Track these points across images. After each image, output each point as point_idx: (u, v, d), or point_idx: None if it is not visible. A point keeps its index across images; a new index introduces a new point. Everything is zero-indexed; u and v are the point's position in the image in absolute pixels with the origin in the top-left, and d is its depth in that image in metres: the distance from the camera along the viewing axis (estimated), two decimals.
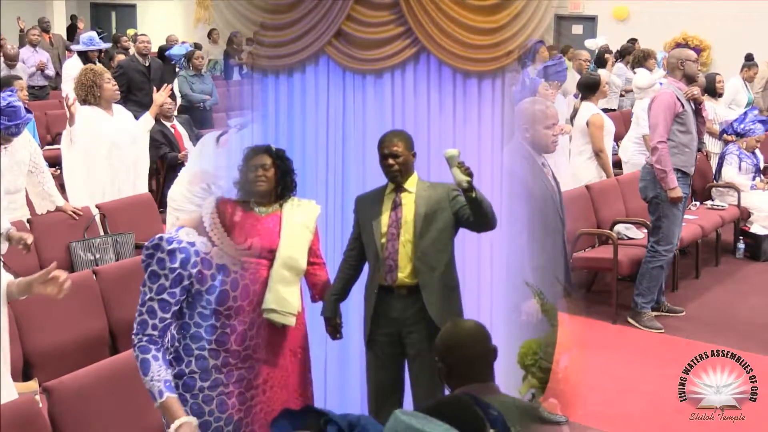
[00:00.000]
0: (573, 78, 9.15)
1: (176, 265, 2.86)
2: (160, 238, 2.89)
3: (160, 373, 2.84)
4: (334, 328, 3.60)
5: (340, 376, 4.03)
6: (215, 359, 2.99)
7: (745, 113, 8.38)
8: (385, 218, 3.54)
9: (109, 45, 10.61)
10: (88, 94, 6.26)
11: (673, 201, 5.83)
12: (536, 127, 4.15)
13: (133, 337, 2.90)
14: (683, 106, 5.83)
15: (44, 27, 13.65)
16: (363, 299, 3.67)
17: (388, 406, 3.45)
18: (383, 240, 3.52)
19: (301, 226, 3.48)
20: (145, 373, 2.85)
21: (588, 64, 10.03)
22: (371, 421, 2.44)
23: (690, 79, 6.01)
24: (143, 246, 6.32)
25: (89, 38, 9.41)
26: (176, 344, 3.01)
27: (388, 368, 3.60)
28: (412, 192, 3.57)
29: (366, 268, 3.68)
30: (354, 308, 3.80)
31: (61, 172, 6.74)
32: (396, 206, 3.55)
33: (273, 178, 3.48)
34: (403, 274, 3.51)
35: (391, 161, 3.52)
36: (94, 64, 9.32)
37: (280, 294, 3.31)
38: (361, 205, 3.64)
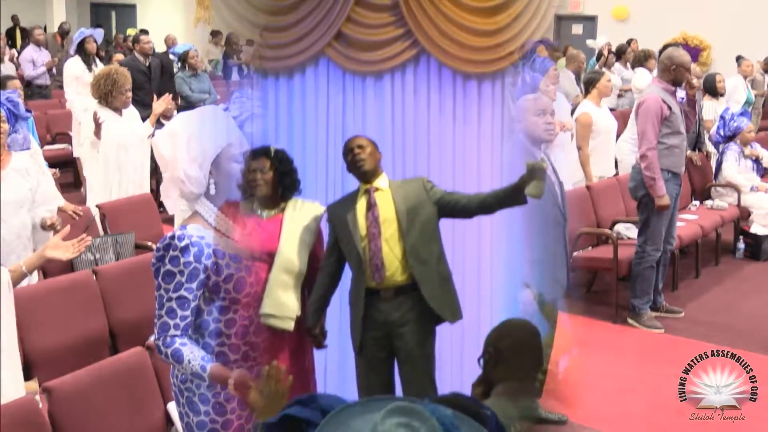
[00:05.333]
0: (568, 78, 9.14)
1: (190, 259, 2.84)
2: (172, 237, 2.87)
3: (193, 352, 2.82)
4: (316, 339, 3.48)
5: (339, 379, 4.03)
6: (236, 353, 2.99)
7: (722, 118, 8.35)
8: (361, 219, 3.50)
9: (99, 30, 10.59)
10: (109, 94, 6.40)
11: (660, 209, 5.83)
12: (526, 116, 4.14)
13: (155, 342, 2.88)
14: (670, 109, 5.77)
15: (63, 31, 13.61)
16: (348, 306, 3.62)
17: None
18: (364, 242, 3.48)
19: (302, 228, 3.43)
20: (180, 361, 2.83)
21: (583, 66, 10.03)
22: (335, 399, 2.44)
23: (676, 83, 5.98)
24: (144, 246, 6.30)
25: (80, 32, 9.50)
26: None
27: (379, 372, 3.58)
28: (385, 189, 3.54)
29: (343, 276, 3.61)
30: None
31: (61, 174, 6.76)
32: (371, 206, 3.51)
33: (271, 180, 3.42)
34: (390, 272, 3.48)
35: (357, 150, 3.49)
36: (95, 61, 9.38)
37: (278, 299, 3.28)
38: (334, 212, 3.56)
